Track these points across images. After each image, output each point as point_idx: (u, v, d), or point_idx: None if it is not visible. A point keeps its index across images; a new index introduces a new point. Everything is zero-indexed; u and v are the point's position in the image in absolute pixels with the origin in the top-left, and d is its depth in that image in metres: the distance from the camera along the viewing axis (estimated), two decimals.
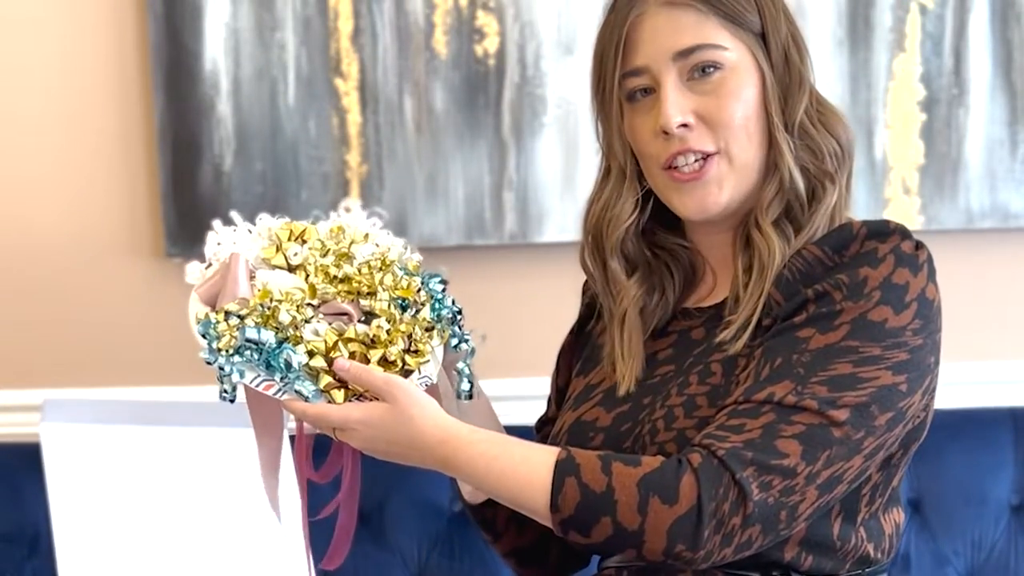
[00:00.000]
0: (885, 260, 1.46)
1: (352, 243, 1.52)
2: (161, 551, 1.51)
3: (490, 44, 2.31)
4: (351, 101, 2.33)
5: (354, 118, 2.33)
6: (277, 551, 1.53)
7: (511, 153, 2.32)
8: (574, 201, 2.28)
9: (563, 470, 1.42)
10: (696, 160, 1.52)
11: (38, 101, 2.39)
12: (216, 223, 1.53)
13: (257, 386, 1.43)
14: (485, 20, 2.30)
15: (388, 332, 1.46)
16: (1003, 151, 2.28)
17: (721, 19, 1.52)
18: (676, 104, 1.51)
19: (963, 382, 2.24)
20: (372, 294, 1.48)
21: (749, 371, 1.47)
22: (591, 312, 1.70)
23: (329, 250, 1.51)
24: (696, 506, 1.38)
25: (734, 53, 1.52)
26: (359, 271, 1.50)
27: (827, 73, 2.26)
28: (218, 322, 1.43)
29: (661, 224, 1.62)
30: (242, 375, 1.42)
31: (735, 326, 1.50)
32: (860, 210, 2.26)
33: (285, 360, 1.42)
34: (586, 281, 1.71)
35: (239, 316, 1.43)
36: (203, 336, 1.43)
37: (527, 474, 1.43)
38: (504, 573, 2.15)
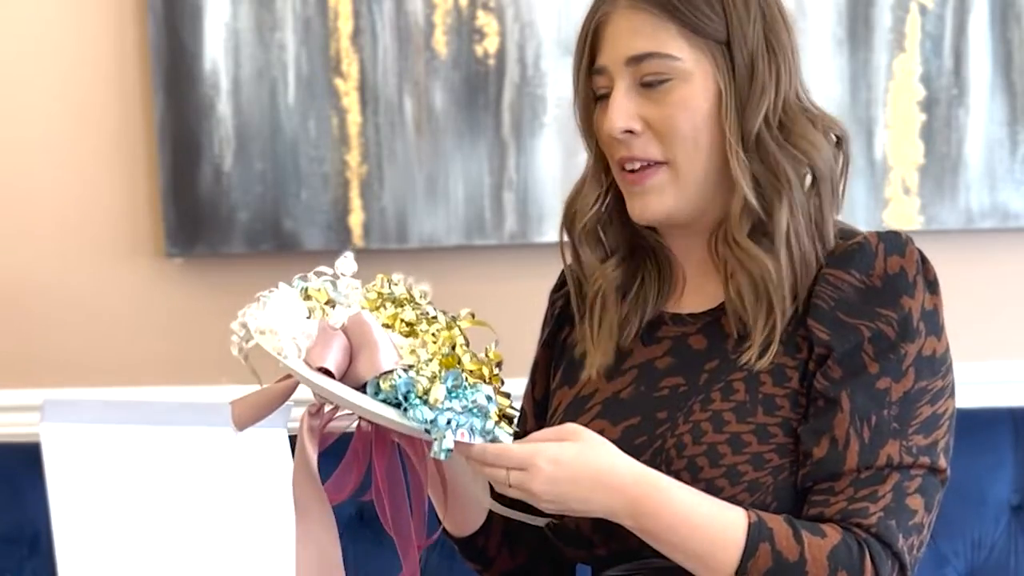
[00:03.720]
0: (916, 286, 1.48)
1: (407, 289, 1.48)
2: (161, 551, 1.51)
3: (490, 44, 2.31)
4: (351, 101, 2.33)
5: (354, 118, 2.33)
6: (277, 551, 1.53)
7: (511, 153, 2.32)
8: None
9: (757, 534, 1.41)
10: (641, 166, 1.51)
11: (38, 102, 2.39)
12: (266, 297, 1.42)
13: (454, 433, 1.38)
14: (485, 20, 2.30)
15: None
16: (1003, 151, 2.28)
17: (679, 26, 1.49)
18: (621, 110, 1.50)
19: (963, 382, 2.22)
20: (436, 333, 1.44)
21: (834, 422, 1.46)
22: (562, 323, 1.68)
23: (386, 302, 1.46)
24: None
25: (688, 63, 1.49)
26: (428, 315, 1.46)
27: (827, 73, 2.26)
28: (416, 379, 1.36)
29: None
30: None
31: (755, 349, 1.49)
32: (860, 210, 2.26)
33: (487, 396, 1.38)
34: (553, 290, 1.71)
35: (415, 369, 1.38)
36: (404, 398, 1.36)
37: (721, 531, 1.41)
38: None
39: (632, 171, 1.52)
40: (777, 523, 1.42)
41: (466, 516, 1.60)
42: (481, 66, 2.31)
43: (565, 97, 2.29)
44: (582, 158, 2.33)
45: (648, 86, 1.50)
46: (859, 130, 2.26)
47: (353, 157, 2.34)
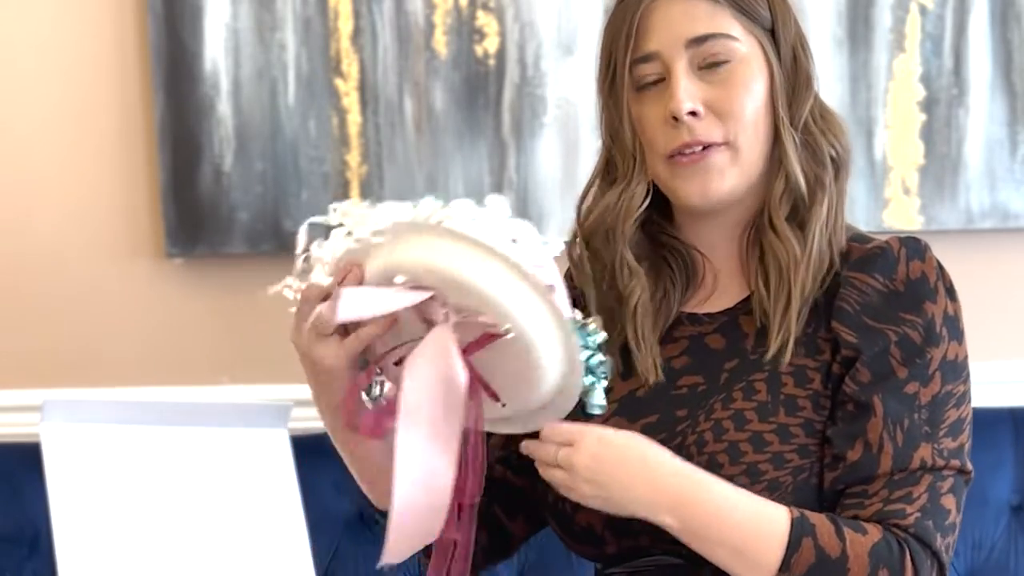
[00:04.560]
0: (938, 292, 1.50)
1: None
2: (162, 551, 1.51)
3: (490, 44, 2.31)
4: (351, 101, 2.33)
5: (354, 118, 2.33)
6: (278, 551, 1.53)
7: (511, 153, 2.32)
8: (574, 201, 2.27)
9: (800, 529, 1.41)
10: (702, 148, 1.52)
11: (38, 101, 2.39)
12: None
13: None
14: (485, 20, 2.30)
15: None
16: (1003, 151, 2.28)
17: (734, 11, 1.52)
18: (687, 91, 1.50)
19: None
20: None
21: (868, 426, 1.47)
22: None
23: None
24: None
25: (745, 45, 1.52)
26: None
27: (827, 73, 2.26)
28: (594, 331, 1.40)
29: (664, 219, 1.61)
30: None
31: (774, 345, 1.50)
32: (860, 210, 2.26)
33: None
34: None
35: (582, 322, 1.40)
36: (588, 347, 1.39)
37: (766, 524, 1.42)
38: (503, 574, 2.15)
39: (689, 152, 1.52)
40: (819, 519, 1.43)
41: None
42: (481, 66, 2.31)
43: (565, 97, 2.30)
44: (582, 158, 2.33)
45: (706, 69, 1.52)
46: (859, 130, 2.26)
47: (353, 157, 2.34)
